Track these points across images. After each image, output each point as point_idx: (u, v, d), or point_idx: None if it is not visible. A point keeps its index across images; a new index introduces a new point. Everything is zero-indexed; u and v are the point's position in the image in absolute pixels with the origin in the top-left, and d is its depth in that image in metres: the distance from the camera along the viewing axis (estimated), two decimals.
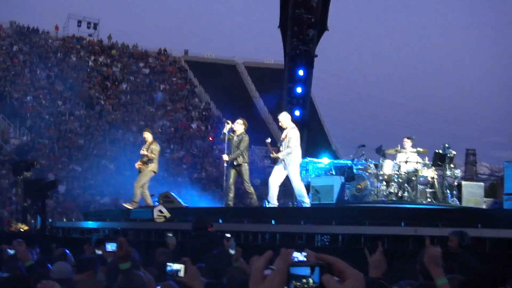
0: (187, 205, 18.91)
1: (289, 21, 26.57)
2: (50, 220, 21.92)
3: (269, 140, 16.48)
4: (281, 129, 16.20)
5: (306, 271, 2.10)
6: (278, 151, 15.93)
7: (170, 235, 11.48)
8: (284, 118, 16.08)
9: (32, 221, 19.58)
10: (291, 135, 15.76)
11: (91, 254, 9.88)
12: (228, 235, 10.34)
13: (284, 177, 16.15)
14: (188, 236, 12.93)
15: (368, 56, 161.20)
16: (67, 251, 9.90)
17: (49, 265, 8.25)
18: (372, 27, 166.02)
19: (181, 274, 5.17)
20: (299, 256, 3.61)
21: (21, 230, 19.60)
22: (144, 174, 18.00)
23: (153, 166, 17.96)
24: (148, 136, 18.29)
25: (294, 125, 16.26)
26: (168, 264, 5.27)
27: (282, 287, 2.08)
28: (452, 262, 8.93)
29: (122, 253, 5.80)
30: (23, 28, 60.44)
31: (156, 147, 18.00)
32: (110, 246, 7.51)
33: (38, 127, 45.10)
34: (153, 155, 17.84)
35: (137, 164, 18.26)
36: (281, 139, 16.03)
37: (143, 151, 18.02)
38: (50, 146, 42.79)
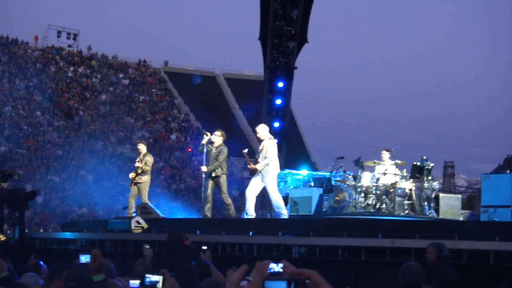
0: (165, 216, 18.85)
1: (269, 33, 26.60)
2: (26, 231, 21.78)
3: (246, 150, 16.49)
4: (260, 141, 16.20)
5: (281, 285, 2.09)
6: (256, 162, 15.93)
7: (147, 246, 11.40)
8: (262, 130, 16.09)
9: (9, 231, 19.43)
10: (268, 146, 15.77)
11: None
12: (204, 247, 10.29)
13: (261, 188, 16.15)
14: (163, 248, 12.87)
15: (348, 68, 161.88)
16: (41, 262, 9.82)
17: (17, 277, 8.18)
18: (352, 39, 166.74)
19: (159, 286, 5.14)
20: (275, 267, 3.60)
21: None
22: (143, 188, 17.92)
23: (147, 178, 17.91)
24: (142, 147, 18.26)
25: (271, 136, 16.28)
26: (146, 275, 5.24)
27: None
28: (430, 273, 8.96)
29: (96, 265, 5.77)
30: (2, 38, 60.16)
31: (150, 159, 17.96)
32: (84, 258, 7.46)
33: (16, 137, 44.80)
34: (147, 167, 17.80)
35: (131, 175, 18.20)
36: (259, 150, 16.03)
37: (138, 163, 17.97)
38: (28, 157, 42.51)
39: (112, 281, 6.67)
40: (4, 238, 18.89)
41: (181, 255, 10.61)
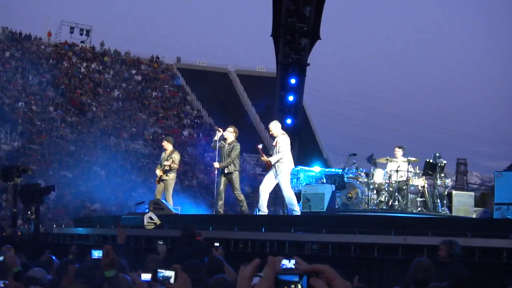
0: (177, 212, 18.87)
1: (281, 30, 26.56)
2: (41, 226, 21.85)
3: (261, 146, 16.52)
4: (273, 137, 16.23)
5: (294, 279, 2.10)
6: None
7: (161, 243, 11.46)
8: (274, 127, 16.13)
9: (26, 226, 19.47)
10: (282, 142, 15.81)
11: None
12: (217, 244, 10.32)
13: (274, 185, 16.17)
14: (176, 244, 12.90)
15: (360, 65, 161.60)
16: (54, 257, 9.88)
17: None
18: (364, 36, 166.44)
19: (172, 281, 5.16)
20: (288, 263, 3.60)
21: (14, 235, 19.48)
22: (170, 185, 17.87)
23: (173, 175, 17.86)
24: (167, 145, 18.18)
25: (284, 132, 16.31)
26: (159, 270, 5.26)
27: None
28: (442, 271, 8.95)
29: (108, 261, 5.80)
30: (16, 34, 60.32)
31: (177, 156, 17.88)
32: (97, 253, 7.49)
33: (29, 133, 44.97)
34: (175, 165, 17.77)
35: (158, 172, 18.13)
36: (273, 145, 16.07)
37: (166, 161, 17.91)
38: (41, 152, 42.64)
39: (122, 275, 6.71)
40: (18, 234, 18.93)
41: (194, 250, 10.65)
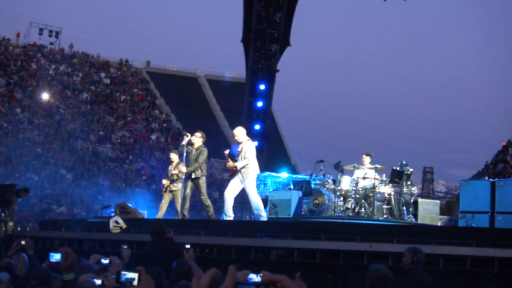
0: (143, 216, 18.82)
1: (251, 36, 26.64)
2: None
3: (227, 151, 16.50)
4: (238, 143, 16.24)
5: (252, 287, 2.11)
6: None
7: (125, 247, 11.38)
8: (239, 132, 16.14)
9: None
10: (247, 147, 15.83)
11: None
12: (187, 246, 10.28)
13: (239, 190, 16.18)
14: (145, 243, 12.85)
15: (330, 72, 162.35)
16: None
17: None
18: (333, 43, 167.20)
19: (135, 283, 5.14)
20: (255, 278, 3.60)
21: None
22: (178, 195, 17.68)
23: (181, 185, 17.73)
24: (174, 157, 18.08)
25: (249, 138, 16.33)
26: (122, 272, 5.23)
27: None
28: (405, 277, 9.01)
29: (68, 264, 5.74)
30: None
31: (184, 168, 17.78)
32: (55, 256, 7.42)
33: None
34: (182, 175, 17.64)
35: (165, 182, 18.02)
36: (238, 151, 16.07)
37: (173, 171, 17.80)
38: (7, 154, 42.31)
39: (86, 279, 6.66)
40: None
41: (164, 247, 10.63)
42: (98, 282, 8.02)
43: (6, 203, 19.00)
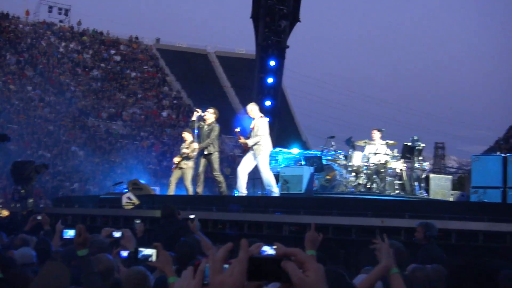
0: (155, 192, 18.88)
1: (261, 12, 26.53)
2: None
3: (238, 129, 16.50)
4: (251, 119, 16.23)
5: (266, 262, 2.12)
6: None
7: (138, 221, 11.44)
8: (252, 108, 16.14)
9: (18, 205, 19.24)
10: (259, 124, 15.83)
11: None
12: (192, 216, 10.31)
13: (252, 166, 16.20)
14: (157, 223, 12.92)
15: (340, 48, 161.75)
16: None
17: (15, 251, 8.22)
18: (344, 18, 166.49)
19: (153, 259, 5.19)
20: (268, 250, 3.62)
21: (1, 215, 19.36)
22: (188, 173, 17.69)
23: (191, 164, 17.73)
24: (187, 136, 18.05)
25: (262, 114, 16.33)
26: (139, 249, 5.29)
27: (242, 278, 2.10)
28: (417, 252, 9.04)
29: (81, 240, 5.80)
30: None
31: (196, 146, 17.76)
32: (69, 233, 7.48)
33: (7, 113, 44.72)
34: (193, 154, 17.64)
35: (176, 159, 18.03)
36: (250, 128, 16.08)
37: (185, 149, 17.80)
38: (19, 132, 42.46)
39: (102, 254, 6.71)
40: (7, 213, 18.81)
41: (175, 229, 10.68)
42: (118, 235, 8.10)
43: (26, 179, 19.06)
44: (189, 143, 17.74)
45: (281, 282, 2.10)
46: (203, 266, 2.21)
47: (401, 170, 17.59)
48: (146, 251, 5.18)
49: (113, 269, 6.46)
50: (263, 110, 20.38)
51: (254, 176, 17.78)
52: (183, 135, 18.31)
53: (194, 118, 17.11)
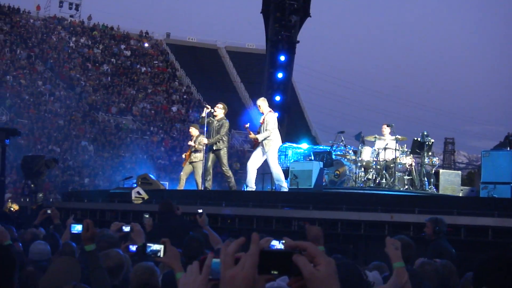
0: (165, 187, 18.90)
1: (271, 7, 26.54)
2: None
3: (248, 125, 16.51)
4: (261, 114, 16.25)
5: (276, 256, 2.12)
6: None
7: (147, 216, 11.45)
8: (262, 103, 16.16)
9: (27, 199, 19.28)
10: (269, 119, 15.84)
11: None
12: (200, 210, 10.32)
13: (262, 161, 16.21)
14: (155, 220, 12.93)
15: (350, 44, 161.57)
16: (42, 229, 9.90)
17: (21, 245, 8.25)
18: (354, 14, 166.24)
19: (161, 254, 5.19)
20: (277, 244, 3.61)
21: (12, 209, 19.39)
22: (199, 166, 17.70)
23: (201, 156, 17.74)
24: (194, 131, 18.04)
25: (271, 109, 16.34)
26: (148, 244, 5.28)
27: (254, 271, 2.10)
28: (427, 248, 9.03)
29: (88, 235, 5.80)
30: (4, 7, 59.87)
31: (204, 139, 17.73)
32: (76, 227, 7.47)
33: (18, 107, 44.83)
34: (200, 146, 17.63)
35: (185, 154, 18.05)
36: (260, 123, 16.09)
37: (191, 143, 17.82)
38: (29, 127, 42.55)
39: (112, 250, 6.71)
40: (17, 207, 18.86)
41: (173, 225, 10.67)
42: (127, 229, 8.11)
43: (36, 174, 19.09)
44: (196, 137, 17.76)
45: (292, 275, 2.10)
46: (209, 261, 2.21)
47: (410, 165, 17.56)
48: (154, 247, 5.17)
49: (123, 265, 6.44)
50: (273, 105, 20.39)
51: (264, 171, 17.78)
52: (190, 130, 18.32)
53: (203, 114, 17.12)
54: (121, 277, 6.39)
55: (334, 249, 8.22)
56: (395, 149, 17.38)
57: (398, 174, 17.27)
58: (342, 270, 2.06)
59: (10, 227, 10.48)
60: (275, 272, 2.10)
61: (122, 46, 61.10)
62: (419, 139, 17.59)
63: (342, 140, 18.83)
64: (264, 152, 15.91)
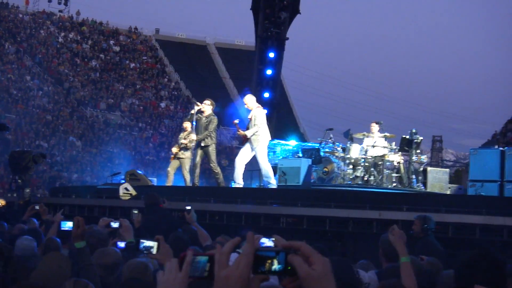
0: (153, 183, 18.87)
1: (261, 3, 26.51)
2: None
3: (237, 121, 16.50)
4: (248, 111, 16.23)
5: (272, 254, 2.10)
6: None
7: (135, 211, 11.42)
8: (249, 100, 16.15)
9: (14, 195, 19.20)
10: (257, 114, 15.85)
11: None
12: (188, 207, 10.29)
13: (250, 157, 16.20)
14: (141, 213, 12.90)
15: (339, 41, 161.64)
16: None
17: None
18: (344, 11, 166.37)
19: (154, 251, 5.18)
20: (267, 242, 3.60)
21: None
22: (186, 163, 17.67)
23: (189, 154, 17.71)
24: (188, 125, 18.01)
25: (259, 105, 16.34)
26: (141, 240, 5.27)
27: (248, 271, 2.09)
28: (414, 245, 9.05)
29: (79, 232, 5.78)
30: None
31: (195, 137, 17.72)
32: (67, 224, 7.43)
33: (6, 102, 44.68)
34: (191, 145, 17.61)
35: (174, 149, 17.98)
36: (248, 119, 16.09)
37: (183, 140, 17.76)
38: (17, 122, 42.42)
39: (110, 248, 6.71)
40: (4, 203, 18.78)
41: (158, 218, 10.65)
42: (115, 225, 8.09)
43: (23, 169, 19.03)
44: (188, 133, 17.72)
45: (287, 275, 2.09)
46: (190, 258, 2.19)
47: (398, 163, 17.58)
48: (147, 243, 5.16)
49: (120, 263, 6.43)
50: (262, 101, 20.38)
51: (252, 167, 17.77)
52: (184, 125, 18.27)
53: (193, 111, 17.08)
54: (116, 275, 6.38)
55: (322, 246, 8.20)
56: (384, 147, 17.40)
57: (386, 171, 17.29)
58: (334, 267, 2.05)
59: (2, 222, 10.46)
60: (270, 270, 2.09)
61: (111, 42, 60.94)
62: (407, 136, 17.60)
63: (331, 137, 18.83)
64: (252, 148, 15.91)
